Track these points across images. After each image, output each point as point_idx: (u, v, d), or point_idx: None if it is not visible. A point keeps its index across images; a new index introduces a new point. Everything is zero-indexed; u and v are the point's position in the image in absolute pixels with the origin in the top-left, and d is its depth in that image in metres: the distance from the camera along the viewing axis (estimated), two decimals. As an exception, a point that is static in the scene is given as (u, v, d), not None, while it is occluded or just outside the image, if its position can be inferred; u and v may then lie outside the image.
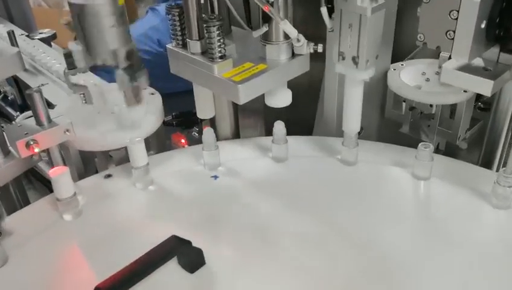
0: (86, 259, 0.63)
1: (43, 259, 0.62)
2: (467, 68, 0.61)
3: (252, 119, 1.03)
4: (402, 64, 0.89)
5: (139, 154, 0.70)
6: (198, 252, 0.57)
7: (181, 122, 1.06)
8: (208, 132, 0.74)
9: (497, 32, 0.56)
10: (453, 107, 0.90)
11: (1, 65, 0.65)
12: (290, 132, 0.80)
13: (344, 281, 0.57)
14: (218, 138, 0.86)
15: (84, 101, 0.77)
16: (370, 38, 0.61)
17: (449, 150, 0.97)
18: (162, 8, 1.52)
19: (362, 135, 0.96)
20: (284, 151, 0.75)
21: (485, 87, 0.59)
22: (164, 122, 0.91)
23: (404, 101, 0.94)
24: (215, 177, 0.73)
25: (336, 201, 0.69)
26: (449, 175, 0.71)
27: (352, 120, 0.72)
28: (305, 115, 1.01)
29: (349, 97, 0.70)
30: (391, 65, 0.90)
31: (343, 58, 0.64)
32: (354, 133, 0.73)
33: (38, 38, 1.15)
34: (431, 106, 0.90)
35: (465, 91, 0.83)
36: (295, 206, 0.68)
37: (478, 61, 0.62)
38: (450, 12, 0.54)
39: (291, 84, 0.77)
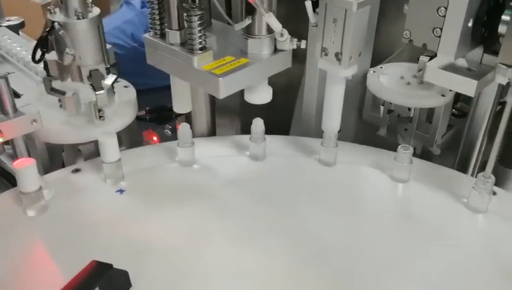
0: (49, 258, 0.59)
1: (3, 257, 0.58)
2: (450, 68, 0.60)
3: (228, 117, 1.01)
4: (381, 67, 0.89)
5: (111, 149, 0.67)
6: (123, 276, 0.52)
7: (154, 118, 1.02)
8: (184, 127, 0.71)
9: (482, 32, 0.55)
10: (430, 112, 0.90)
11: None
12: (267, 131, 0.78)
13: (322, 279, 0.56)
14: (193, 135, 0.83)
15: (60, 106, 0.75)
16: (354, 34, 0.60)
17: (423, 156, 0.97)
18: (137, 1, 1.48)
19: (339, 136, 0.95)
20: (262, 149, 0.73)
21: (468, 87, 0.58)
22: (137, 117, 0.88)
23: (383, 104, 0.94)
24: (120, 191, 0.68)
25: (313, 201, 0.68)
26: (427, 178, 0.71)
27: (333, 119, 0.71)
28: (282, 115, 1.00)
29: (330, 95, 0.69)
30: (370, 68, 0.90)
31: (326, 54, 0.63)
32: (334, 132, 0.71)
33: (5, 26, 1.10)
34: (409, 109, 0.90)
35: (443, 95, 0.83)
36: (271, 205, 0.66)
37: (461, 62, 0.61)
38: (438, 9, 0.53)
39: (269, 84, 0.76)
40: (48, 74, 0.72)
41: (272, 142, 0.76)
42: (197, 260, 0.58)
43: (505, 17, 0.53)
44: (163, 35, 0.65)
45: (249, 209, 0.66)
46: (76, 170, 0.72)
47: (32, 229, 0.62)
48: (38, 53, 0.69)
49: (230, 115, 0.99)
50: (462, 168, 0.87)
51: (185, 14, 0.60)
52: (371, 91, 0.86)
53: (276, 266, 0.57)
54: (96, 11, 0.68)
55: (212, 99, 0.81)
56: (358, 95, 0.93)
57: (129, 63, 0.88)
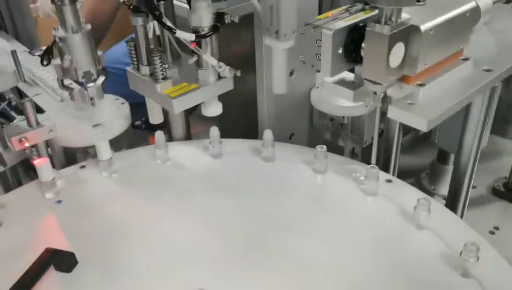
0: (60, 228, 0.86)
1: (30, 225, 0.85)
2: (340, 81, 0.82)
3: (207, 125, 1.25)
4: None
5: (104, 150, 0.93)
6: (70, 256, 0.74)
7: (149, 126, 1.28)
8: (159, 134, 0.96)
9: (354, 55, 0.77)
10: (362, 118, 1.12)
11: (4, 79, 0.90)
12: (242, 135, 1.02)
13: (261, 238, 0.79)
14: (173, 139, 1.09)
15: (70, 98, 0.97)
16: (285, 16, 0.82)
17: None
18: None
19: (293, 140, 1.18)
20: (218, 150, 0.97)
21: (348, 96, 0.80)
22: (135, 126, 1.14)
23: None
24: (59, 201, 0.89)
25: (254, 187, 0.91)
26: (340, 169, 0.93)
27: (279, 82, 0.92)
28: (254, 121, 1.24)
29: (275, 64, 0.91)
30: (317, 84, 1.12)
31: (269, 33, 0.86)
32: (282, 91, 0.94)
33: (37, 55, 1.38)
34: (343, 117, 1.12)
35: (366, 106, 1.05)
36: (223, 192, 0.90)
37: (351, 76, 0.83)
38: (316, 41, 0.76)
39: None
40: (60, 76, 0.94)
41: (228, 144, 1.01)
42: (154, 234, 0.83)
43: (363, 45, 0.74)
44: (138, 69, 0.91)
45: (209, 195, 0.90)
46: (83, 166, 0.99)
47: (47, 206, 0.89)
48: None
49: (208, 123, 1.24)
50: (386, 164, 1.08)
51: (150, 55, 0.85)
52: (312, 103, 1.09)
53: (226, 237, 0.81)
54: (87, 27, 0.88)
55: (186, 112, 1.06)
56: (309, 106, 1.16)
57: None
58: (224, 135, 1.00)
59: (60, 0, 0.84)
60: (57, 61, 0.93)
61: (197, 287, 0.70)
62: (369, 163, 0.92)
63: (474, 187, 1.33)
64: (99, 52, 0.93)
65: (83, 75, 0.91)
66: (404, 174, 1.36)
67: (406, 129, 1.41)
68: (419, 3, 0.68)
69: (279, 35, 0.85)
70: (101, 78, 0.93)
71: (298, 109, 1.14)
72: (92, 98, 0.93)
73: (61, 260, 0.73)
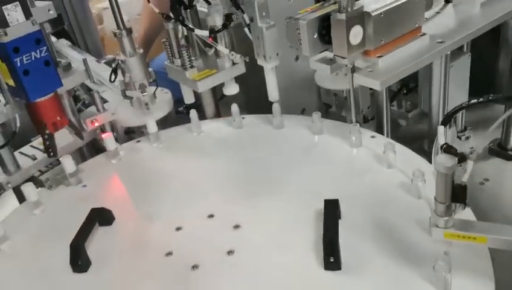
0: (120, 181, 1.17)
1: (100, 181, 1.16)
2: (322, 59, 1.05)
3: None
4: (326, 65, 1.35)
5: (151, 125, 1.23)
6: (109, 213, 0.99)
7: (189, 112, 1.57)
8: (193, 112, 1.25)
9: (327, 38, 1.01)
10: (356, 91, 1.33)
11: (77, 76, 1.22)
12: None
13: (263, 176, 1.05)
14: (205, 117, 1.37)
15: (131, 104, 1.33)
16: (269, 43, 1.07)
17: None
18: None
19: (305, 114, 1.42)
20: (239, 122, 1.24)
21: (326, 70, 1.04)
22: (178, 112, 1.44)
23: (332, 90, 1.39)
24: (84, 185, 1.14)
25: (263, 146, 1.17)
26: (334, 130, 1.16)
27: (272, 92, 1.18)
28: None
29: (267, 79, 1.16)
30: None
31: (258, 55, 1.11)
32: (276, 99, 1.18)
33: (104, 62, 1.74)
34: (343, 92, 1.35)
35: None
36: (244, 151, 1.17)
37: (330, 55, 1.06)
38: (296, 29, 0.99)
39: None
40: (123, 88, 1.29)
41: (248, 118, 1.27)
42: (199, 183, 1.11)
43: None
44: (173, 62, 1.20)
45: (231, 154, 1.17)
46: (138, 141, 1.29)
47: (113, 168, 1.20)
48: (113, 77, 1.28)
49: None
50: (380, 128, 1.29)
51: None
52: (315, 80, 1.33)
53: (241, 179, 1.08)
54: (140, 51, 1.22)
55: (215, 97, 1.34)
56: (316, 85, 1.39)
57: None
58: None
59: (119, 34, 1.16)
60: (120, 77, 1.28)
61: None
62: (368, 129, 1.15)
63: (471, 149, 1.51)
64: (150, 69, 1.26)
65: (139, 86, 1.23)
66: (412, 140, 1.57)
67: (414, 104, 1.61)
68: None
69: (266, 58, 1.10)
70: (152, 88, 1.25)
71: (306, 88, 1.38)
72: (146, 104, 1.26)
73: (105, 217, 0.99)
